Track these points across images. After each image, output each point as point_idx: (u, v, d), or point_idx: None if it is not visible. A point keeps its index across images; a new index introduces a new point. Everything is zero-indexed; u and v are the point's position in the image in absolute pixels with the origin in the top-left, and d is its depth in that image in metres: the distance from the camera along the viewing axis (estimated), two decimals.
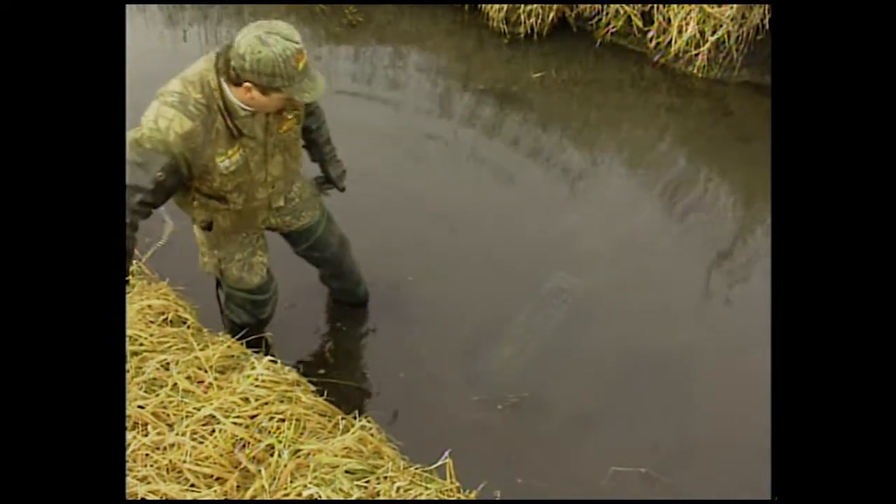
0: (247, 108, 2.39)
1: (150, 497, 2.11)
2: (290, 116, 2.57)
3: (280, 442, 2.30)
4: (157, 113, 2.31)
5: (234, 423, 2.32)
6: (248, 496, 2.18)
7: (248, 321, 3.04)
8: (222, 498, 2.16)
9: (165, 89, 2.36)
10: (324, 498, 2.13)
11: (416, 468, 2.41)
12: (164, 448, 2.24)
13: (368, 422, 2.53)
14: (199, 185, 2.55)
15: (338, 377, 3.14)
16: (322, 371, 3.23)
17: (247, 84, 2.29)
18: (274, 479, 2.21)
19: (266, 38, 2.22)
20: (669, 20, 5.56)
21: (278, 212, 2.88)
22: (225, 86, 2.35)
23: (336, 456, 2.28)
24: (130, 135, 2.33)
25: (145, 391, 2.41)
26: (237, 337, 2.91)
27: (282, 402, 2.47)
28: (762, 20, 5.35)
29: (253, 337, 2.93)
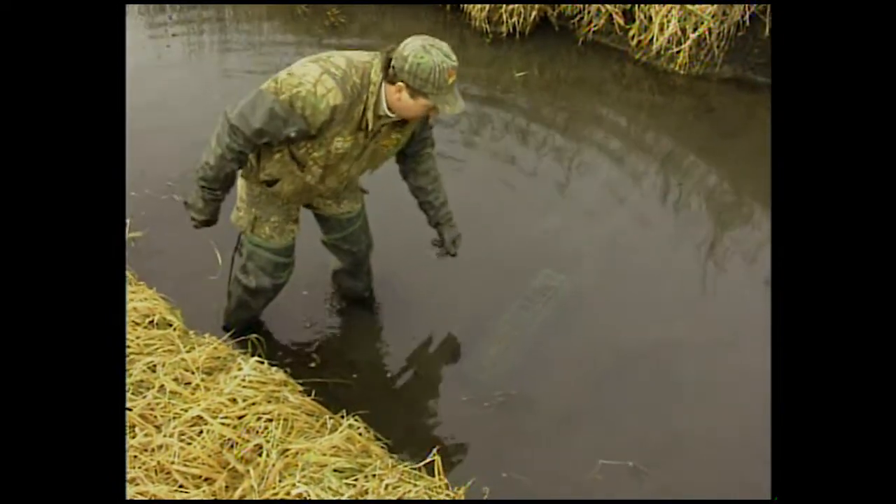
0: (389, 111, 2.57)
1: (139, 498, 2.11)
2: (393, 136, 2.73)
3: (268, 442, 2.30)
4: (318, 79, 2.46)
5: (222, 424, 2.32)
6: (236, 496, 2.18)
7: (264, 285, 3.05)
8: (211, 498, 2.16)
9: (329, 60, 2.52)
10: (312, 497, 2.13)
11: (405, 466, 2.41)
12: (152, 449, 2.24)
13: (356, 420, 2.53)
14: (303, 145, 2.65)
15: (325, 377, 3.14)
16: (309, 371, 3.23)
17: (400, 84, 2.47)
18: (262, 478, 2.21)
19: (429, 48, 2.44)
20: (651, 18, 5.61)
21: (321, 194, 2.99)
22: (384, 84, 2.53)
23: (324, 455, 2.28)
24: (285, 87, 2.47)
25: (132, 393, 2.40)
26: (231, 333, 2.98)
27: (269, 402, 2.47)
28: (743, 16, 5.40)
29: (246, 326, 2.93)
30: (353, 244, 3.25)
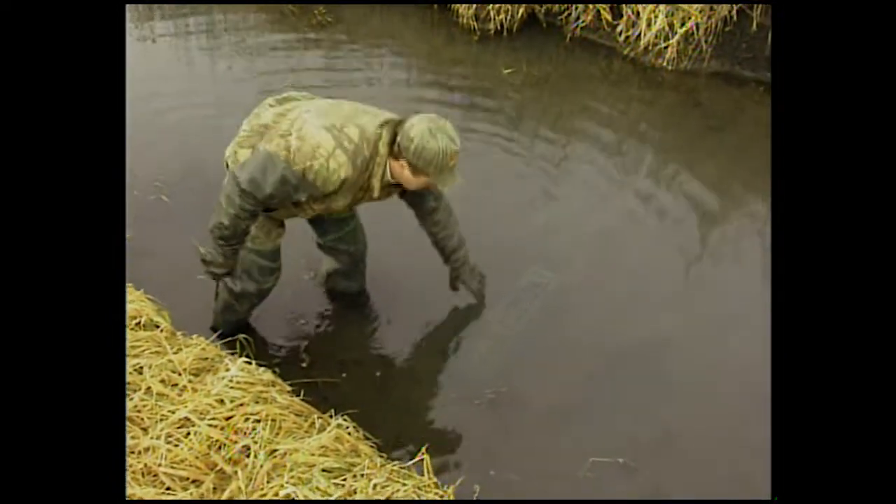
0: (390, 179, 2.78)
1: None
2: (387, 189, 2.89)
3: (256, 442, 2.29)
4: (332, 153, 2.60)
5: (210, 426, 2.32)
6: (224, 498, 2.17)
7: (250, 289, 3.07)
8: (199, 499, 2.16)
9: (344, 131, 2.64)
10: (300, 497, 2.12)
11: (394, 465, 2.41)
12: (139, 452, 2.23)
13: (345, 420, 2.53)
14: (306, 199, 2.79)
15: (314, 376, 3.13)
16: (298, 371, 3.22)
17: (403, 162, 2.66)
18: (250, 479, 2.20)
19: (435, 132, 2.61)
20: (638, 14, 5.62)
21: None
22: (389, 160, 2.72)
23: (312, 455, 2.28)
24: (298, 159, 2.60)
25: None
26: (218, 334, 2.99)
27: (257, 402, 2.46)
28: (730, 11, 5.41)
29: (238, 322, 2.91)
30: (350, 244, 3.32)
